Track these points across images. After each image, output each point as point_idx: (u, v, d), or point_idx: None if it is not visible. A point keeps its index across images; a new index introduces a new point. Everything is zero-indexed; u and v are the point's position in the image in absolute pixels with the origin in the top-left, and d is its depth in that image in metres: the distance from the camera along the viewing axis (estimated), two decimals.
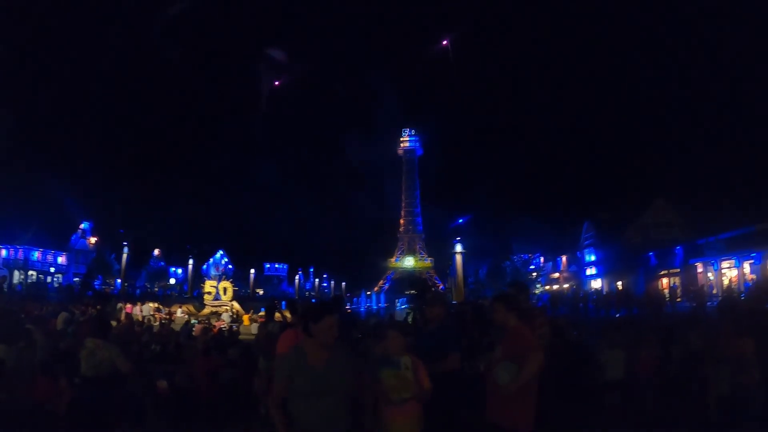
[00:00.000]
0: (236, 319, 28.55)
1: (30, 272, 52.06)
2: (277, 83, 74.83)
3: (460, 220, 47.98)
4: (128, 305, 26.41)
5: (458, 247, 38.67)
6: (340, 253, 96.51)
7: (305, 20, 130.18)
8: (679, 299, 29.75)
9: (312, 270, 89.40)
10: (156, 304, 31.44)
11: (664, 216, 42.35)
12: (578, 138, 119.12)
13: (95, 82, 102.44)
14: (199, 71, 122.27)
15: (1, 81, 49.94)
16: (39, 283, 47.63)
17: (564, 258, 54.32)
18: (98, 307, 16.90)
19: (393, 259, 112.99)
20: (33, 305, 19.86)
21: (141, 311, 26.35)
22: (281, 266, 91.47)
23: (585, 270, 49.22)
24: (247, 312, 30.38)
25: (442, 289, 72.42)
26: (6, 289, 31.10)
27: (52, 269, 55.30)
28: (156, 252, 68.24)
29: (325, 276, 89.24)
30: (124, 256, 43.59)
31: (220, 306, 32.34)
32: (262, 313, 20.87)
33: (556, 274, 55.23)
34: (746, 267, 28.38)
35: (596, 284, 45.64)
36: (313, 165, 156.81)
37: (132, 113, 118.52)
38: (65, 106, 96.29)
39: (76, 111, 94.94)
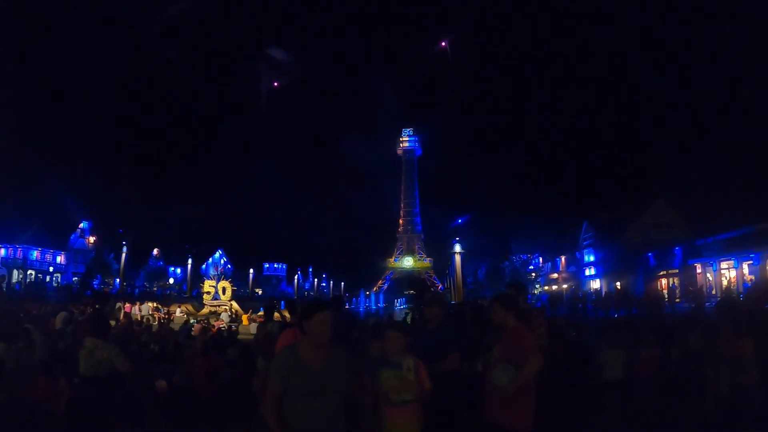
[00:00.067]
0: (235, 318, 28.60)
1: (29, 272, 52.02)
2: (276, 83, 75.05)
3: (459, 221, 48.13)
4: (127, 305, 26.46)
5: (457, 248, 38.66)
6: (340, 253, 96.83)
7: (305, 20, 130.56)
8: (678, 300, 29.81)
9: (311, 270, 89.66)
10: (155, 304, 31.53)
11: (663, 216, 42.34)
12: (578, 138, 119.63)
13: (95, 81, 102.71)
14: (199, 71, 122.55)
15: (1, 81, 49.94)
16: (38, 283, 47.55)
17: (563, 258, 54.35)
18: (96, 306, 16.87)
19: (392, 259, 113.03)
20: (32, 305, 19.90)
21: (140, 311, 26.39)
22: (280, 266, 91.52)
23: (584, 270, 49.25)
24: (246, 312, 30.42)
25: (441, 289, 72.49)
26: (5, 289, 31.02)
27: (51, 269, 55.22)
28: (155, 251, 68.19)
29: (324, 276, 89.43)
30: (123, 255, 43.70)
31: (219, 306, 32.36)
32: (261, 313, 20.92)
33: (555, 275, 55.25)
34: (745, 268, 28.44)
35: (595, 284, 45.67)
36: (312, 165, 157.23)
37: (132, 113, 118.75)
38: (65, 106, 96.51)
39: (76, 111, 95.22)
